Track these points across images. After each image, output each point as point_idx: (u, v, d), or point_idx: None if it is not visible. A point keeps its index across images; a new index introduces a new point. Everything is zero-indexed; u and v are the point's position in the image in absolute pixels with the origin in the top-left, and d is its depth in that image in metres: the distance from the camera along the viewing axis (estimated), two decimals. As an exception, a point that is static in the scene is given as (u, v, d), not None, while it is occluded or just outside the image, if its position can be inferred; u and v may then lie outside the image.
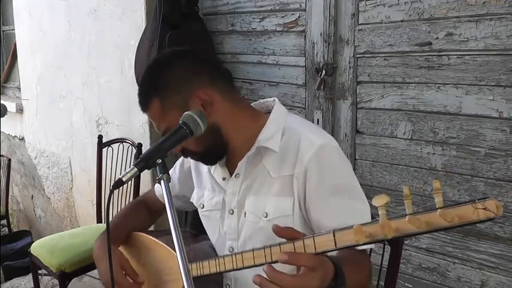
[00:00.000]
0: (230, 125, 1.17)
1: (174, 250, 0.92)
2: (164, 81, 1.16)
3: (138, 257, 1.33)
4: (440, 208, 0.63)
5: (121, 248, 1.35)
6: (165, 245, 1.22)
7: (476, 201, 0.61)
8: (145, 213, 1.46)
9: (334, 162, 1.13)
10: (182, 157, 1.42)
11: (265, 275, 0.82)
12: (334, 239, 0.76)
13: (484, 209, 0.59)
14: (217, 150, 1.20)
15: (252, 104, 1.28)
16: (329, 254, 0.84)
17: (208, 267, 1.04)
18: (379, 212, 0.69)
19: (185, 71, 1.16)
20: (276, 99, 1.24)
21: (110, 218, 0.98)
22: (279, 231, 0.84)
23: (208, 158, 1.23)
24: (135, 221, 1.42)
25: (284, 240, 0.85)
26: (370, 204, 1.16)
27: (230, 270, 0.99)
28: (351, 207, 1.11)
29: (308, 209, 1.13)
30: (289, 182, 1.13)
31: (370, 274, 1.11)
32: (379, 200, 0.68)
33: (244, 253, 0.92)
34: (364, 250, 1.11)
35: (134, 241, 1.37)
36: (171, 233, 0.92)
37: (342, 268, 0.87)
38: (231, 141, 1.19)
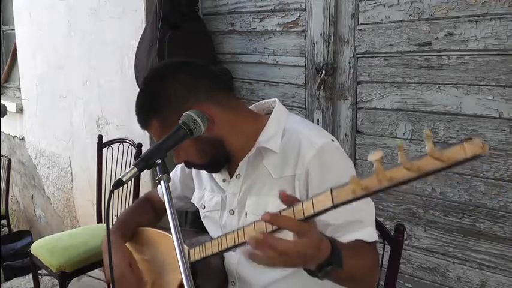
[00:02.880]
0: (231, 135, 1.17)
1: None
2: (161, 100, 1.13)
3: (141, 249, 1.34)
4: (430, 150, 0.65)
5: (127, 246, 1.37)
6: (169, 235, 1.23)
7: (464, 140, 0.63)
8: (152, 211, 1.48)
9: (335, 162, 1.13)
10: None
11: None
12: (332, 196, 0.77)
13: (471, 145, 0.61)
14: (221, 160, 1.20)
15: (252, 105, 1.28)
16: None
17: (210, 247, 1.03)
18: (374, 165, 0.70)
19: (182, 88, 1.13)
20: (277, 100, 1.24)
21: (110, 218, 0.98)
22: (284, 198, 0.84)
23: (211, 167, 1.23)
24: (142, 218, 1.43)
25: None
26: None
27: (233, 247, 0.97)
28: (353, 206, 1.11)
29: None
30: (290, 182, 1.14)
31: (376, 267, 1.11)
32: (374, 155, 0.70)
33: (246, 227, 0.92)
34: (373, 244, 1.10)
35: (139, 234, 1.38)
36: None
37: (337, 246, 0.87)
38: (232, 147, 1.19)
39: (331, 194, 0.77)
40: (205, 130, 1.07)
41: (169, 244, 1.23)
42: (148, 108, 1.16)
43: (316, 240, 0.84)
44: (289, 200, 0.84)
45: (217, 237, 1.00)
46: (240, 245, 0.94)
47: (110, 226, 1.04)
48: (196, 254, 1.08)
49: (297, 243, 0.81)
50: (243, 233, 0.92)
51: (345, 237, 1.04)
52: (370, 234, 1.09)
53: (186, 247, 0.96)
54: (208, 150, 1.12)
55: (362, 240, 1.07)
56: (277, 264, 0.82)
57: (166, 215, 0.94)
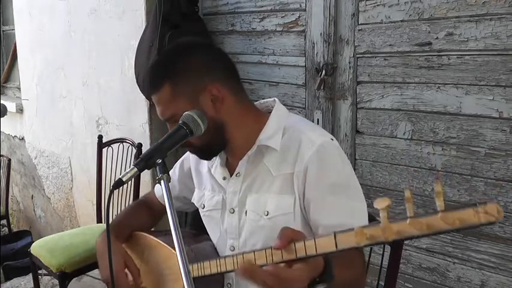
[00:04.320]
0: (235, 124, 1.18)
1: (175, 250, 0.92)
2: (180, 68, 1.15)
3: (140, 256, 1.33)
4: (441, 211, 0.63)
5: (124, 247, 1.36)
6: (166, 245, 1.22)
7: (478, 204, 0.61)
8: (147, 214, 1.47)
9: (334, 161, 1.14)
10: (182, 158, 1.43)
11: None
12: (335, 241, 0.76)
13: (485, 213, 0.59)
14: (216, 146, 1.20)
15: None
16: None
17: (209, 267, 1.04)
18: (381, 215, 0.69)
19: (202, 63, 1.16)
20: (276, 100, 1.25)
21: (110, 218, 0.98)
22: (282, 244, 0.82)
23: (205, 152, 1.23)
24: (136, 221, 1.42)
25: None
26: (370, 205, 1.16)
27: (231, 271, 0.99)
28: (348, 206, 1.11)
29: (307, 206, 1.13)
30: (289, 180, 1.14)
31: (363, 272, 1.11)
32: (381, 203, 0.68)
33: (246, 254, 0.92)
34: (359, 249, 1.10)
35: (136, 241, 1.37)
36: (171, 233, 0.93)
37: (329, 260, 0.86)
38: (232, 139, 1.19)
39: (335, 238, 0.76)
40: (213, 110, 1.11)
41: (166, 252, 1.23)
42: (165, 73, 1.16)
43: (313, 263, 0.83)
44: (285, 242, 0.82)
45: (217, 259, 1.00)
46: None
47: (110, 226, 1.04)
48: (194, 270, 1.07)
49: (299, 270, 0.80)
50: (242, 259, 0.92)
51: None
52: None
53: (186, 257, 0.96)
54: (207, 132, 1.11)
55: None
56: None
57: (167, 215, 0.94)
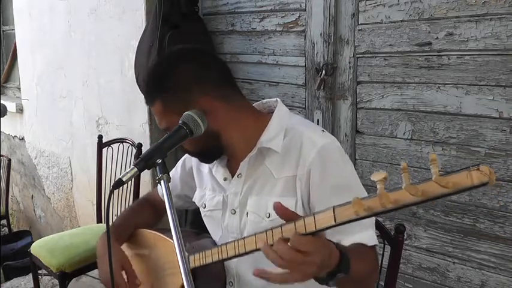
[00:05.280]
0: (231, 130, 1.17)
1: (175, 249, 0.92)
2: (167, 85, 1.15)
3: (140, 251, 1.34)
4: (436, 176, 0.64)
5: (124, 244, 1.36)
6: (168, 239, 1.23)
7: (471, 167, 0.62)
8: (150, 212, 1.47)
9: (336, 163, 1.14)
10: (184, 157, 1.43)
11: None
12: (334, 215, 0.77)
13: (478, 170, 0.60)
14: (214, 152, 1.21)
15: (254, 104, 1.28)
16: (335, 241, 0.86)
17: (211, 255, 1.05)
18: (378, 186, 0.70)
19: (190, 76, 1.14)
20: (279, 100, 1.24)
21: (110, 218, 0.98)
22: (280, 210, 0.84)
23: (204, 157, 1.24)
24: (139, 219, 1.43)
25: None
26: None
27: (233, 257, 0.99)
28: None
29: (312, 209, 1.13)
30: (292, 182, 1.14)
31: (376, 270, 1.12)
32: (377, 175, 0.70)
33: (246, 238, 0.93)
34: (374, 247, 1.11)
35: (137, 237, 1.38)
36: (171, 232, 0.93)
37: (346, 253, 0.88)
38: (230, 145, 1.19)
39: (334, 212, 0.77)
40: (206, 123, 1.09)
41: (168, 247, 1.23)
42: (155, 88, 1.17)
43: (327, 246, 0.85)
44: (286, 214, 0.84)
45: (218, 246, 1.02)
46: (240, 255, 0.96)
47: (110, 226, 1.04)
48: (196, 260, 1.08)
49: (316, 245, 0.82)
50: (243, 243, 0.94)
51: (346, 239, 1.05)
52: (370, 237, 1.10)
53: (186, 254, 0.97)
54: (201, 140, 1.11)
55: (362, 244, 1.07)
56: (297, 269, 0.82)
57: (166, 215, 0.94)
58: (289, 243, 0.81)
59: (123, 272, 1.29)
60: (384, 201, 0.69)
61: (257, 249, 0.91)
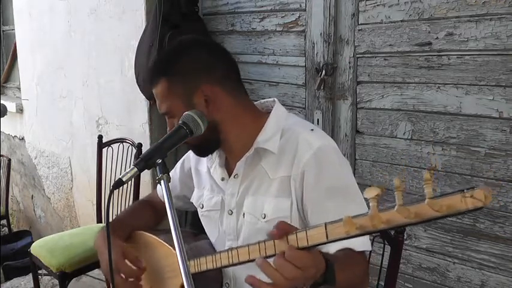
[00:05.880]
0: (230, 124, 1.18)
1: (174, 248, 0.92)
2: (179, 66, 1.16)
3: (140, 254, 1.33)
4: (429, 198, 0.64)
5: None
6: (165, 243, 1.23)
7: (465, 190, 0.61)
8: (150, 213, 1.46)
9: (332, 164, 1.13)
10: (183, 158, 1.43)
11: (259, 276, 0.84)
12: (326, 232, 0.77)
13: (471, 197, 0.59)
14: (210, 145, 1.21)
15: None
16: (324, 250, 0.86)
17: (205, 263, 1.05)
18: (370, 204, 0.69)
19: (201, 63, 1.17)
20: (276, 100, 1.24)
21: (110, 218, 0.98)
22: (280, 231, 0.85)
23: (200, 150, 1.24)
24: (139, 220, 1.42)
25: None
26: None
27: (227, 266, 0.99)
28: (347, 210, 1.10)
29: (306, 210, 1.13)
30: (286, 183, 1.14)
31: (365, 276, 1.10)
32: (370, 192, 0.68)
33: (240, 248, 0.94)
34: (362, 252, 1.10)
35: (136, 239, 1.37)
36: (171, 232, 0.93)
37: (331, 262, 0.87)
38: (227, 139, 1.19)
39: (326, 229, 0.77)
40: (206, 110, 1.11)
41: (167, 250, 1.23)
42: (163, 69, 1.18)
43: (321, 260, 0.85)
44: (280, 233, 0.85)
45: (212, 255, 1.02)
46: (233, 264, 0.96)
47: (110, 226, 1.03)
48: (191, 267, 1.07)
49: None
50: (237, 254, 0.94)
51: (335, 244, 1.04)
52: (361, 242, 1.06)
53: (185, 254, 0.97)
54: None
55: (351, 249, 1.05)
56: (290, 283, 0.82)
57: (167, 217, 0.94)
58: (285, 257, 0.81)
59: (126, 261, 1.27)
60: (375, 222, 0.69)
61: (250, 260, 0.91)
